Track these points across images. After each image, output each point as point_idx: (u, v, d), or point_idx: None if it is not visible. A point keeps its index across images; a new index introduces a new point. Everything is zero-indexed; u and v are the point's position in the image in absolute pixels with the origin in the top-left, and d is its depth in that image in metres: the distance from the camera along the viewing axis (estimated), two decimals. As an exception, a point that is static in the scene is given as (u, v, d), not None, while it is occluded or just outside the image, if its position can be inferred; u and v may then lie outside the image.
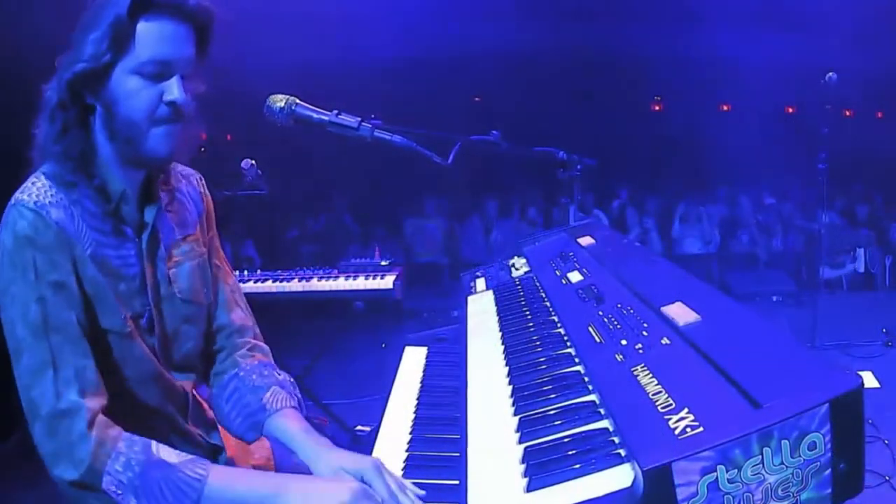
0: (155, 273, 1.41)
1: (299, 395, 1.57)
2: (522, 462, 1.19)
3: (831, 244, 6.95)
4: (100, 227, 1.33)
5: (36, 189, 1.28)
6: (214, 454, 1.58)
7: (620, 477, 1.05)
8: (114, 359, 1.34)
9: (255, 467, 1.64)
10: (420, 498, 1.23)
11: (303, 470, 1.37)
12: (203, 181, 1.61)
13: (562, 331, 1.69)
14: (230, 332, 1.60)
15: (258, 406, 1.51)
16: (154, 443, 1.26)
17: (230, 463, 1.61)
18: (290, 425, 1.46)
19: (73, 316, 1.26)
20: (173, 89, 1.28)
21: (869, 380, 4.30)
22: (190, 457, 1.27)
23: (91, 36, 1.24)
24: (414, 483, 1.28)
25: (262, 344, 1.65)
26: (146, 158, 1.33)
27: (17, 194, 1.29)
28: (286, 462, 1.62)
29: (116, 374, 1.34)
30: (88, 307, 1.30)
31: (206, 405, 1.65)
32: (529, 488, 1.11)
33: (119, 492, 1.20)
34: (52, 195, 1.28)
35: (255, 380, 1.54)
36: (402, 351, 2.08)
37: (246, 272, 3.95)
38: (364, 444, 1.48)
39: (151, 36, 1.26)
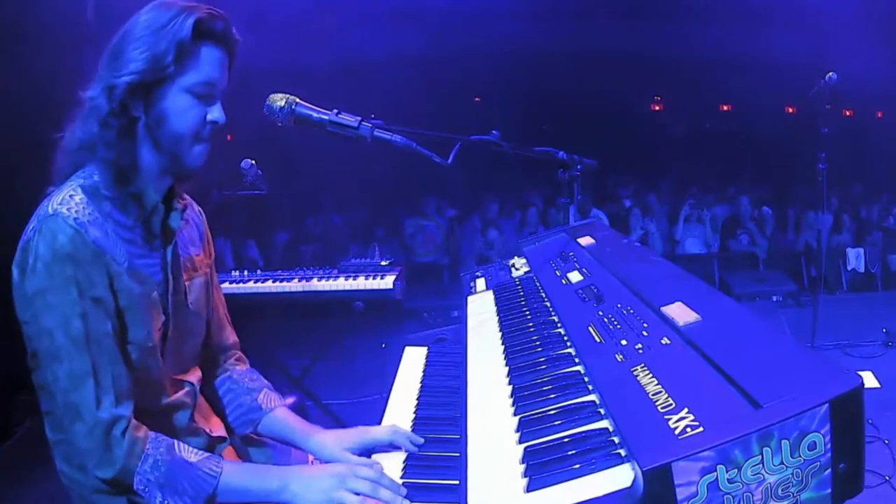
0: (175, 283, 1.52)
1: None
2: (522, 462, 1.19)
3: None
4: (130, 238, 1.42)
5: (75, 204, 1.34)
6: (219, 442, 1.68)
7: (620, 477, 1.05)
8: (132, 365, 1.41)
9: None
10: (420, 498, 1.26)
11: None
12: (202, 212, 1.74)
13: (562, 331, 1.69)
14: (224, 348, 1.79)
15: (254, 405, 1.71)
16: (175, 442, 1.39)
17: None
18: (287, 420, 1.68)
19: (108, 327, 1.35)
20: (217, 112, 1.43)
21: (869, 380, 4.30)
22: (206, 455, 1.41)
23: (144, 52, 1.34)
24: (414, 483, 1.31)
25: (243, 355, 1.85)
26: (184, 169, 1.46)
27: (57, 205, 1.33)
28: (283, 460, 1.74)
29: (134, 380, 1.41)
30: (120, 319, 1.39)
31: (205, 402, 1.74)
32: (529, 488, 1.11)
33: (146, 489, 1.34)
34: (88, 213, 1.35)
35: (248, 383, 1.75)
36: (402, 351, 2.08)
37: (246, 272, 3.94)
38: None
39: (207, 60, 1.39)
